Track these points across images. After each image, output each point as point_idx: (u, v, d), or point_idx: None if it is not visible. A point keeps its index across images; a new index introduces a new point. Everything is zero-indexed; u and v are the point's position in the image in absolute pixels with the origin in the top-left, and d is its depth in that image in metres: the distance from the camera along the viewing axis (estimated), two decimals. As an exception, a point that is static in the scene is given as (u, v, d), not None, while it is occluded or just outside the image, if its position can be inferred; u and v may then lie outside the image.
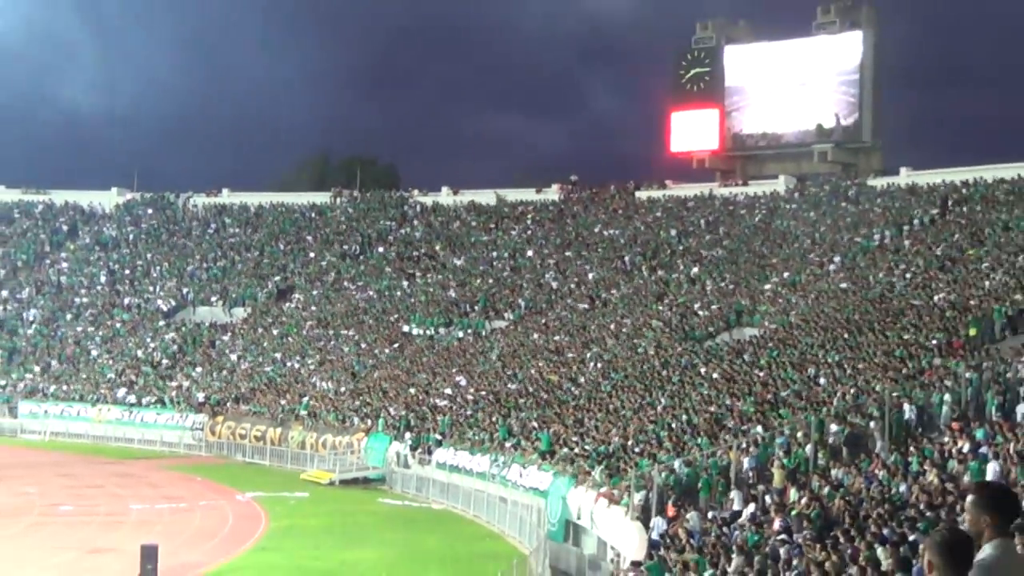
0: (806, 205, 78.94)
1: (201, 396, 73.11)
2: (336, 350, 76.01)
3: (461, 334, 73.96)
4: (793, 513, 28.34)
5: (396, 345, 74.27)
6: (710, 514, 32.76)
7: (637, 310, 67.49)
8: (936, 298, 51.03)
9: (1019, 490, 23.91)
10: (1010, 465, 27.06)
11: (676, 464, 38.17)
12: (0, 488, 54.14)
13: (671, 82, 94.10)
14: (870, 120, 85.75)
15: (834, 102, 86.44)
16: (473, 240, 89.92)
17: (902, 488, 28.10)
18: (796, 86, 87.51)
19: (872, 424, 35.74)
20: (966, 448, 29.78)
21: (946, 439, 32.20)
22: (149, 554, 31.05)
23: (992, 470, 26.85)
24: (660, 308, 66.52)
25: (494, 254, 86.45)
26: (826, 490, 30.22)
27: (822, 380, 43.82)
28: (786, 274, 65.83)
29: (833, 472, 32.55)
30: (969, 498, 6.23)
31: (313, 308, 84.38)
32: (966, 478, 26.91)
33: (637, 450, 42.22)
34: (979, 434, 30.90)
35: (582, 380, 56.96)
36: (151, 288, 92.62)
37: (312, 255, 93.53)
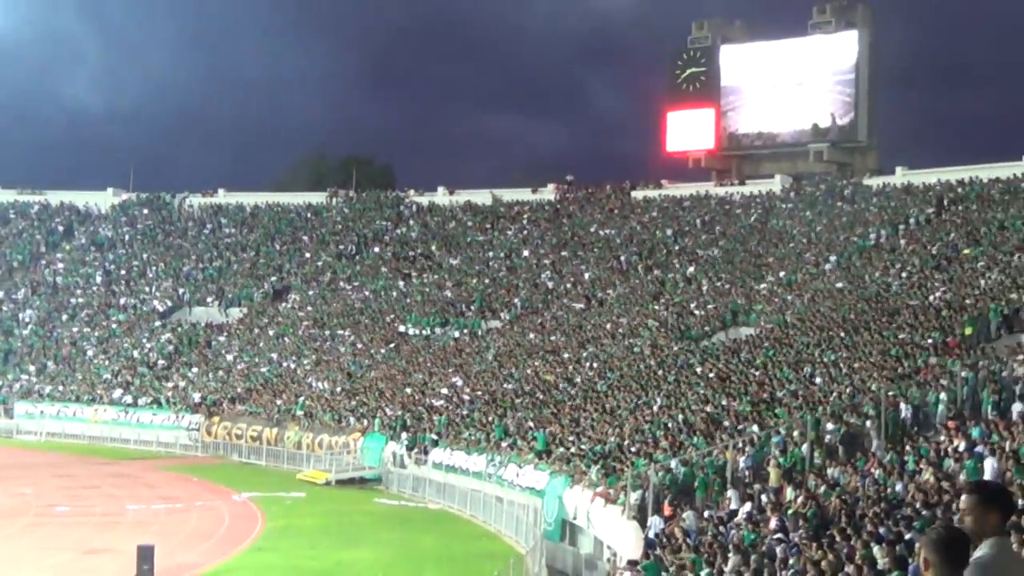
0: (802, 204, 78.96)
1: (197, 396, 73.08)
2: (332, 350, 76.00)
3: (457, 334, 73.95)
4: (789, 512, 28.36)
5: (392, 345, 74.26)
6: (706, 513, 32.77)
7: (633, 310, 67.51)
8: (932, 297, 51.07)
9: (1015, 488, 23.96)
10: (1006, 464, 27.08)
11: (672, 463, 38.20)
12: (-4, 489, 54.14)
13: (667, 82, 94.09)
14: (866, 119, 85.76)
15: (830, 102, 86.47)
16: (469, 240, 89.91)
17: (898, 487, 28.12)
18: (792, 86, 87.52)
19: (868, 423, 35.76)
20: (962, 447, 29.80)
21: (942, 438, 32.23)
22: (145, 554, 31.02)
23: (990, 467, 26.86)
24: (656, 308, 66.53)
25: (490, 254, 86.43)
26: (822, 489, 30.23)
27: (818, 379, 43.86)
28: (782, 273, 65.85)
29: (829, 471, 32.57)
30: (971, 498, 6.21)
31: (309, 308, 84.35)
32: (962, 477, 26.92)
33: (633, 450, 42.24)
34: (975, 433, 30.92)
35: (578, 380, 56.96)
36: (147, 288, 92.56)
37: (308, 255, 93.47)
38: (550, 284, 77.96)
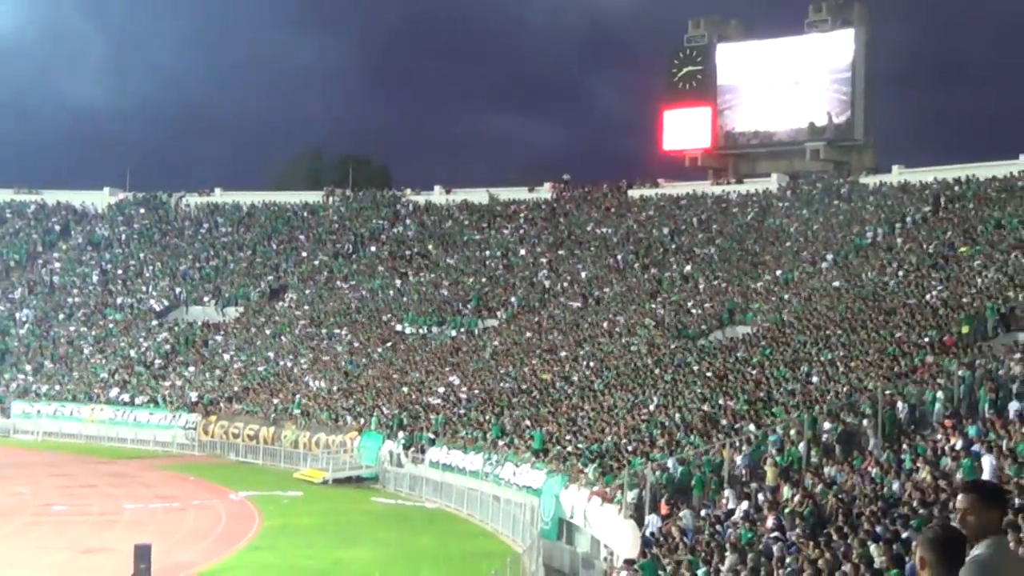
0: (798, 203, 78.97)
1: (194, 395, 73.05)
2: (329, 349, 75.99)
3: (454, 333, 73.96)
4: (786, 511, 28.36)
5: (389, 344, 74.25)
6: (703, 512, 32.78)
7: (630, 308, 67.54)
8: (929, 296, 51.11)
9: (1012, 487, 23.98)
10: (1003, 461, 27.10)
11: (669, 462, 38.21)
12: (-7, 488, 54.11)
13: (663, 80, 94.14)
14: (862, 118, 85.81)
15: (826, 100, 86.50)
16: (466, 239, 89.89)
17: (895, 485, 28.12)
18: (788, 84, 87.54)
19: (865, 422, 35.76)
20: (959, 445, 29.81)
21: (939, 436, 32.24)
22: (143, 553, 30.98)
23: (988, 464, 26.87)
24: (653, 306, 66.58)
25: (487, 253, 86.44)
26: (819, 488, 30.24)
27: (815, 378, 43.89)
28: (779, 272, 65.89)
29: (826, 470, 32.57)
30: (969, 497, 6.20)
31: (306, 307, 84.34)
32: (959, 475, 26.93)
33: (630, 448, 42.26)
34: (972, 431, 30.94)
35: (575, 378, 56.99)
36: (144, 288, 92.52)
37: (305, 254, 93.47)
38: (547, 283, 77.96)
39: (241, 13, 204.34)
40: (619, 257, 78.50)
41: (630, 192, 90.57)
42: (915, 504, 25.10)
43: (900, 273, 57.50)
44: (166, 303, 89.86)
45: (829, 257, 65.55)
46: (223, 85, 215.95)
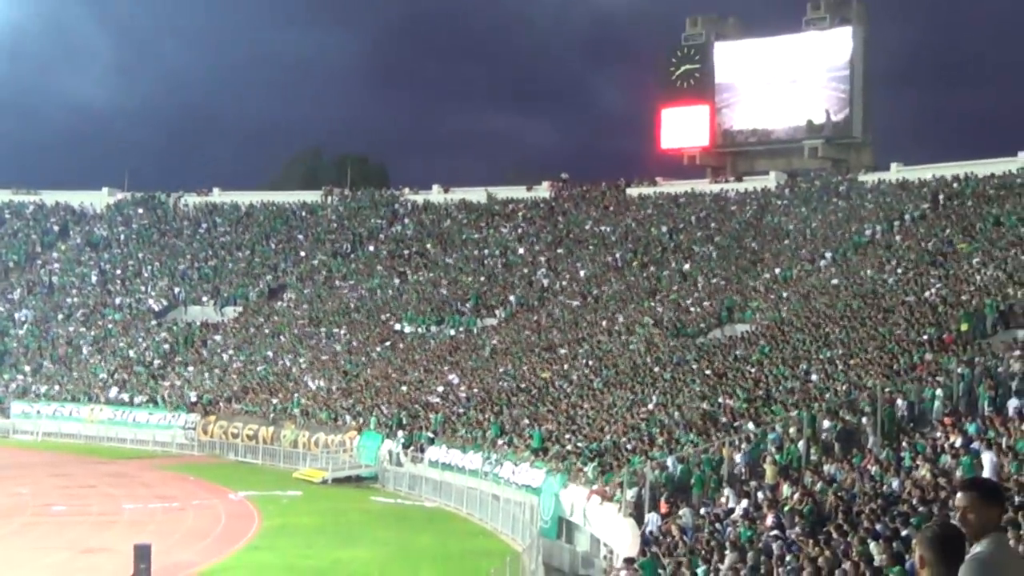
0: (797, 201, 78.97)
1: (193, 395, 73.02)
2: (328, 348, 75.99)
3: (453, 332, 73.97)
4: (786, 509, 28.36)
5: (388, 343, 74.24)
6: (703, 510, 32.77)
7: (629, 307, 67.54)
8: (927, 293, 51.10)
9: (1011, 484, 24.00)
10: (1003, 459, 27.11)
11: (669, 461, 38.22)
12: (-8, 489, 54.09)
13: (661, 79, 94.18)
14: (860, 116, 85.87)
15: (824, 98, 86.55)
16: (464, 238, 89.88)
17: (894, 483, 28.11)
18: (786, 82, 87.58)
19: (864, 419, 35.77)
20: (958, 443, 29.81)
21: (938, 434, 32.23)
22: (142, 553, 30.99)
23: (988, 462, 26.87)
24: (652, 304, 66.57)
25: (485, 252, 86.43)
26: (819, 486, 30.24)
27: (814, 376, 43.88)
28: (777, 270, 65.90)
29: (825, 468, 32.58)
30: (968, 495, 6.19)
31: (305, 307, 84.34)
32: (958, 473, 26.93)
33: (629, 447, 42.27)
34: (971, 429, 30.94)
35: (574, 377, 56.98)
36: (142, 288, 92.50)
37: (303, 254, 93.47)
38: (545, 282, 77.96)
39: (240, 13, 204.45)
40: (618, 255, 78.50)
41: (628, 191, 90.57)
42: (915, 502, 25.11)
43: (899, 271, 57.50)
44: (165, 303, 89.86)
45: (828, 255, 65.55)
46: (221, 85, 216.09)
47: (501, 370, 62.28)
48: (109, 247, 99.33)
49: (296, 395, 68.62)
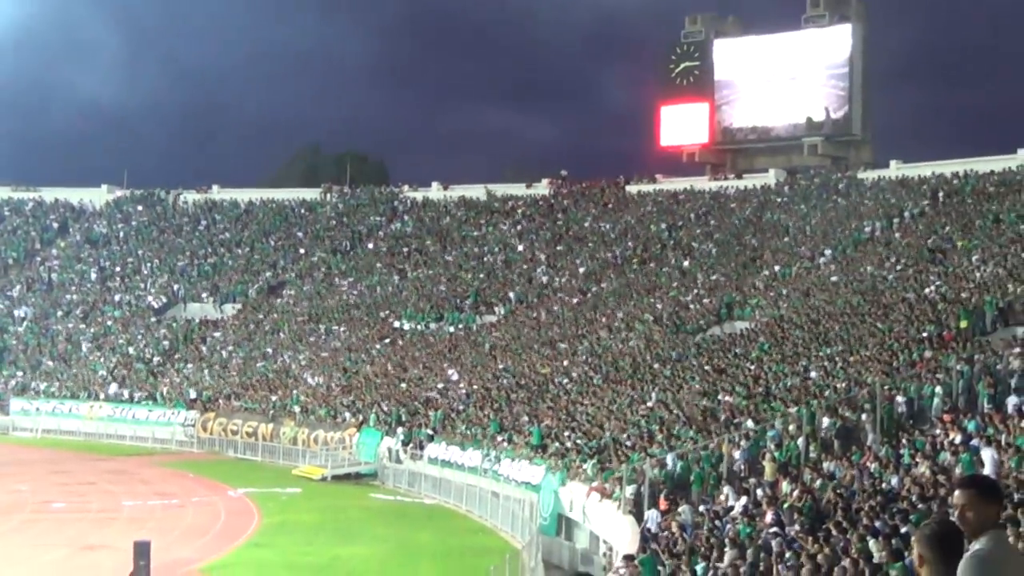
0: (796, 198, 78.96)
1: (193, 392, 73.03)
2: (327, 345, 76.00)
3: (452, 329, 73.97)
4: (785, 506, 28.37)
5: (387, 340, 74.25)
6: (702, 508, 32.79)
7: (628, 304, 67.53)
8: (927, 290, 51.09)
9: (1011, 481, 24.01)
10: (1003, 455, 27.13)
11: (669, 458, 38.23)
12: (-8, 486, 54.10)
13: (661, 76, 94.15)
14: (860, 113, 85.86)
15: (824, 95, 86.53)
16: (463, 235, 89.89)
17: (894, 480, 28.14)
18: (786, 80, 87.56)
19: (864, 417, 35.78)
20: (957, 440, 29.82)
21: (937, 431, 32.24)
22: (142, 550, 30.97)
23: (989, 458, 26.89)
24: (651, 302, 66.55)
25: (484, 249, 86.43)
26: (818, 483, 30.25)
27: (813, 373, 43.86)
28: (777, 267, 65.89)
29: (825, 465, 32.59)
30: (967, 492, 6.19)
31: (304, 304, 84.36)
32: (958, 470, 26.94)
33: (629, 444, 42.28)
34: (970, 426, 30.95)
35: (574, 374, 56.99)
36: (142, 285, 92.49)
37: (302, 251, 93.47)
38: (545, 279, 77.97)
39: (240, 10, 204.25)
40: (617, 253, 78.50)
41: (628, 188, 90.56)
42: (914, 499, 25.12)
43: (898, 268, 57.49)
44: (164, 300, 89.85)
45: (827, 252, 65.54)
46: (221, 83, 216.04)
47: (501, 367, 62.28)
48: (108, 244, 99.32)
49: (295, 392, 68.62)
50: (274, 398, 68.77)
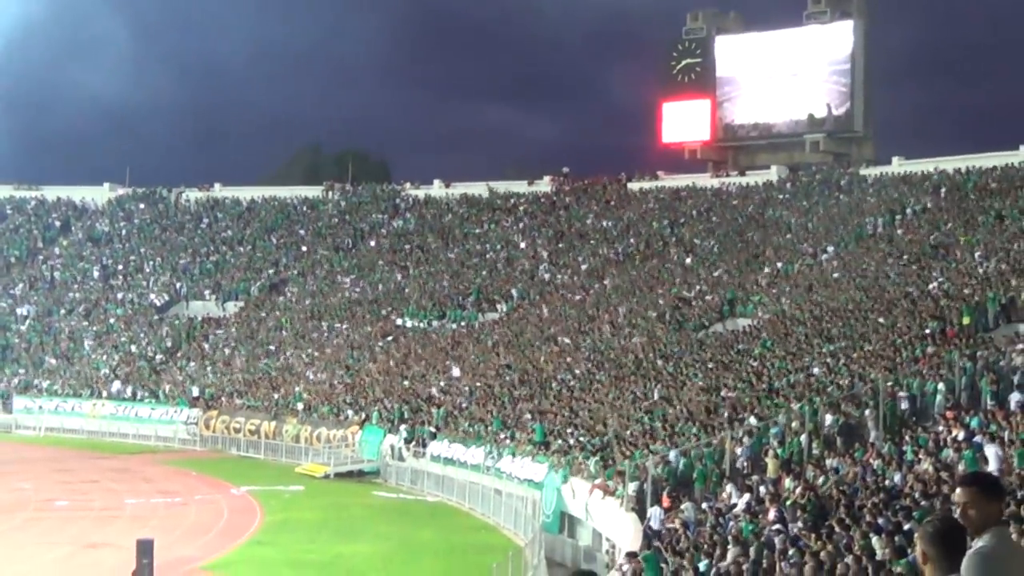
0: (798, 195, 78.90)
1: (195, 390, 73.07)
2: (329, 343, 76.00)
3: (454, 326, 73.97)
4: (788, 503, 28.35)
5: (390, 338, 74.25)
6: (704, 505, 32.78)
7: (630, 301, 67.49)
8: (930, 287, 51.06)
9: (1014, 478, 24.01)
10: (1008, 451, 27.12)
11: (671, 455, 38.22)
12: (-5, 484, 54.13)
13: (662, 73, 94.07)
14: (862, 110, 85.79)
15: (825, 92, 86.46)
16: (466, 232, 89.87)
17: (896, 477, 28.11)
18: (787, 76, 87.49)
19: (866, 413, 35.76)
20: (960, 437, 29.80)
21: (940, 428, 32.22)
22: (145, 548, 30.96)
23: (993, 454, 26.87)
24: (653, 298, 66.52)
25: (487, 246, 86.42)
26: (821, 480, 30.23)
27: (816, 369, 43.83)
28: (779, 264, 65.84)
29: (828, 461, 32.56)
30: (970, 490, 6.19)
31: (306, 301, 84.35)
32: (961, 467, 26.92)
33: (631, 441, 42.27)
34: (973, 423, 30.93)
35: (576, 371, 56.99)
36: (144, 283, 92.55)
37: (305, 249, 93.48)
38: (547, 276, 77.96)
39: (241, 8, 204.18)
40: (619, 250, 78.48)
41: (629, 185, 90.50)
42: (917, 496, 25.10)
43: (901, 264, 57.46)
44: (167, 298, 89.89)
45: (830, 249, 65.50)
46: (222, 81, 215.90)
47: (503, 364, 62.28)
48: (111, 242, 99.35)
49: (298, 390, 68.64)
50: (276, 396, 68.83)
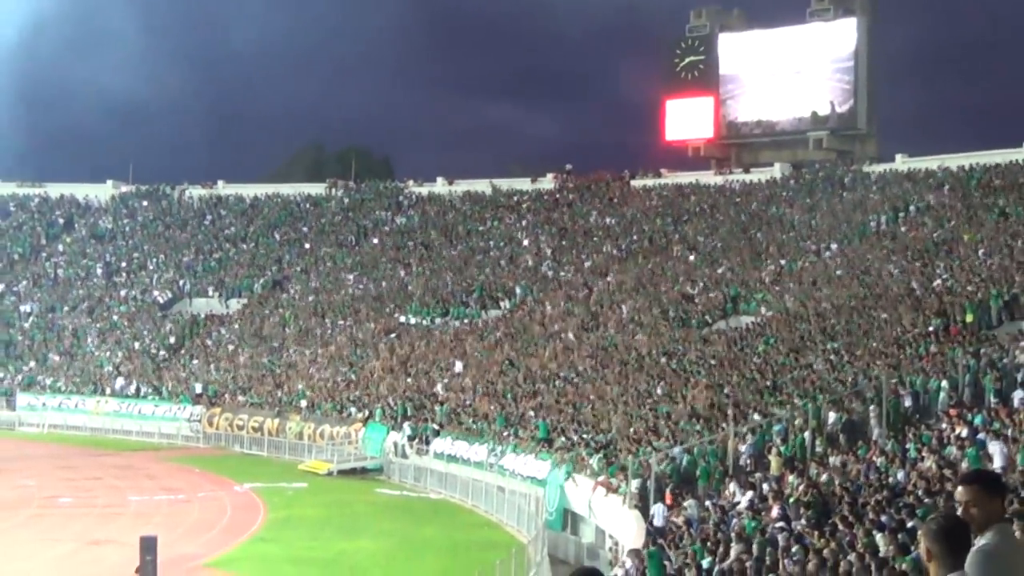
0: (802, 192, 78.84)
1: (198, 387, 73.11)
2: (333, 340, 75.99)
3: (458, 323, 73.94)
4: (791, 500, 28.37)
5: (393, 335, 74.24)
6: (708, 502, 32.79)
7: (634, 298, 67.46)
8: (933, 284, 51.04)
9: (1018, 475, 24.00)
10: (1012, 448, 27.12)
11: (675, 452, 38.23)
12: (-1, 481, 54.20)
13: (665, 70, 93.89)
14: (865, 107, 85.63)
15: (829, 89, 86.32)
16: (469, 230, 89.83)
17: (900, 474, 28.13)
18: (791, 73, 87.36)
19: (870, 410, 35.77)
20: (963, 434, 29.81)
21: (943, 425, 32.23)
22: (148, 545, 31.00)
23: (999, 451, 26.88)
24: (657, 296, 66.49)
25: (490, 243, 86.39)
26: (824, 477, 30.24)
27: (819, 366, 43.84)
28: (782, 261, 65.79)
29: (831, 459, 32.57)
30: (972, 487, 6.20)
31: (310, 299, 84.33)
32: (964, 464, 26.92)
33: (635, 438, 42.26)
34: (977, 420, 30.93)
35: (579, 368, 56.99)
36: (147, 280, 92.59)
37: (308, 246, 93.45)
38: (550, 273, 77.92)
39: (243, 5, 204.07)
40: (622, 247, 78.44)
41: (633, 182, 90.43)
42: (920, 493, 25.11)
43: (904, 261, 57.41)
44: (170, 295, 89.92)
45: (833, 246, 65.47)
46: (225, 79, 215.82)
47: (506, 361, 62.27)
48: (114, 239, 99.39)
49: (301, 387, 68.66)
50: (280, 393, 68.87)
